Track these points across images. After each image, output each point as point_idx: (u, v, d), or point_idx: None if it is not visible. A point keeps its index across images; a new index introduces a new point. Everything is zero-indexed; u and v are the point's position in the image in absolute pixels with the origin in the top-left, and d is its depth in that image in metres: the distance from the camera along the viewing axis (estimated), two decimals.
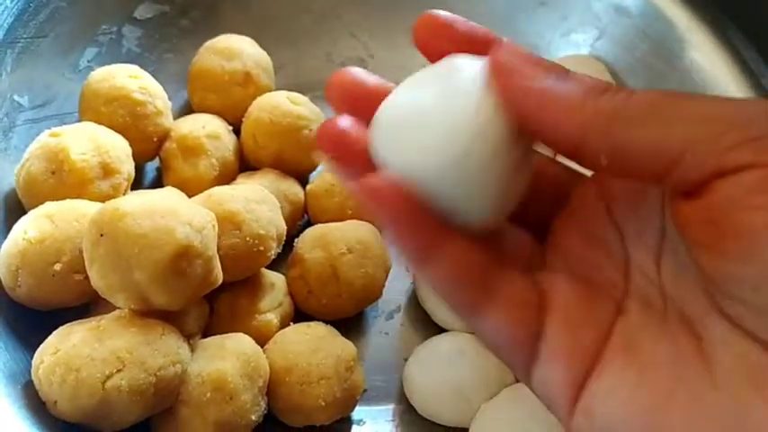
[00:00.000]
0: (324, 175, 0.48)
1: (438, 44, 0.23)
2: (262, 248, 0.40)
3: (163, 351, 0.34)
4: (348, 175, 0.23)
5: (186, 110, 0.50)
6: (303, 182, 0.49)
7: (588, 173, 0.25)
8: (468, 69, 0.22)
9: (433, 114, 0.21)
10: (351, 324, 0.45)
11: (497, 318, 0.22)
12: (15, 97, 0.44)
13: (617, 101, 0.20)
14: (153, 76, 0.47)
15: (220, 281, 0.38)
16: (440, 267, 0.22)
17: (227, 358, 0.37)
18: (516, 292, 0.23)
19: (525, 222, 0.25)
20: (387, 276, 0.45)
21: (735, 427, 0.20)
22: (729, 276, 0.20)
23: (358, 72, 0.24)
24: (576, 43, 0.55)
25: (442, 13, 0.23)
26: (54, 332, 0.35)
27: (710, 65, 0.49)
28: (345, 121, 0.23)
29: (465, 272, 0.22)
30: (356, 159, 0.23)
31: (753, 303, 0.19)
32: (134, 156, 0.43)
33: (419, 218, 0.21)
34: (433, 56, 0.23)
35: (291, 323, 0.43)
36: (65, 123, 0.43)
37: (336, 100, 0.24)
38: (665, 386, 0.21)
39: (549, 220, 0.26)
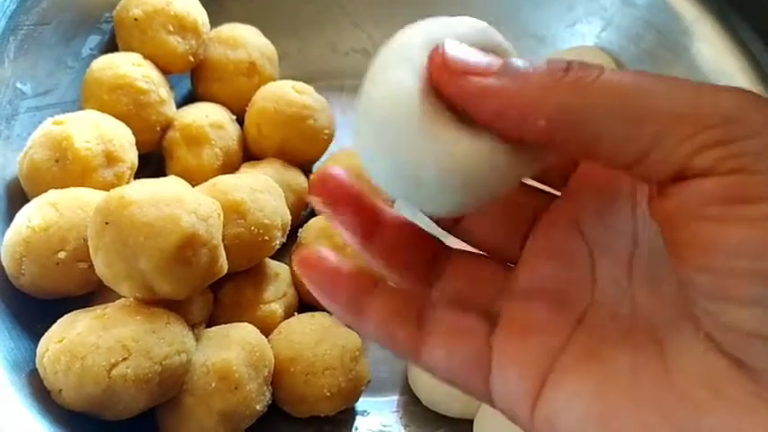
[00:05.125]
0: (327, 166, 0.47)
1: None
2: (266, 238, 0.40)
3: (168, 340, 0.34)
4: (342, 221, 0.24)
5: (190, 99, 0.50)
6: (307, 171, 0.49)
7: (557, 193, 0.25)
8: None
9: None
10: None
11: (436, 346, 0.23)
12: (18, 85, 0.43)
13: (579, 91, 0.19)
14: None
15: (225, 270, 0.37)
16: (371, 315, 0.24)
17: (232, 348, 0.37)
18: (452, 322, 0.24)
19: (500, 250, 0.25)
20: None
21: (688, 427, 0.19)
22: (690, 283, 0.19)
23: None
24: (581, 34, 0.55)
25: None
26: (59, 320, 0.35)
27: (717, 56, 0.49)
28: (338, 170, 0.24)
29: (395, 314, 0.24)
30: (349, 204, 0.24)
31: (710, 312, 0.19)
32: (137, 144, 0.43)
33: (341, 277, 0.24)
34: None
35: (296, 313, 0.43)
36: (67, 111, 0.42)
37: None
38: (623, 392, 0.21)
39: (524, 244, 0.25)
